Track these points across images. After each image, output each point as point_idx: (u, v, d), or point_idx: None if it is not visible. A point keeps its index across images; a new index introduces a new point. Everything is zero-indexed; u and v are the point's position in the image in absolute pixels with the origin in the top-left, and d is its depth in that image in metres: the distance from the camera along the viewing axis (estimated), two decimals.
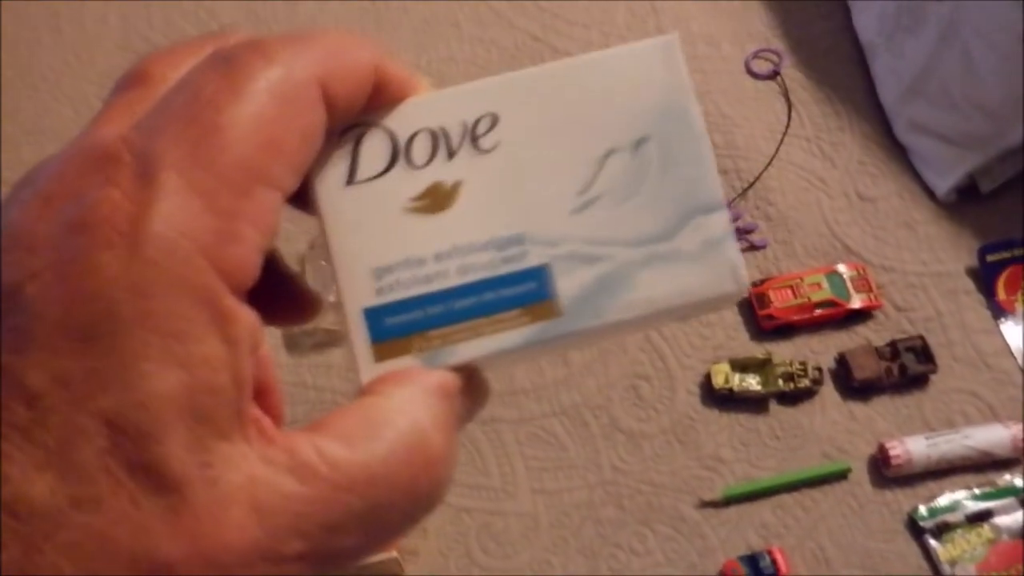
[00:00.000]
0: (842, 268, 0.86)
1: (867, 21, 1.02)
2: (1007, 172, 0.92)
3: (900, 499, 0.77)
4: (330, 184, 0.24)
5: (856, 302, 0.85)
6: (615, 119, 0.26)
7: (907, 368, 0.81)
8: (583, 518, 0.76)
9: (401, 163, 0.25)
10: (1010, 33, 0.86)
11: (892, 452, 0.76)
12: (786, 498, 0.77)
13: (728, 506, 0.77)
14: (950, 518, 0.75)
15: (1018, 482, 0.76)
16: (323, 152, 0.23)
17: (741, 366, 0.82)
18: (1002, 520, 0.75)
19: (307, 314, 0.27)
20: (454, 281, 0.24)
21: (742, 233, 0.90)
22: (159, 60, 0.23)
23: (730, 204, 0.91)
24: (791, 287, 0.85)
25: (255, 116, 0.20)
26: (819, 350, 0.84)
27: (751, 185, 0.92)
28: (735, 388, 0.80)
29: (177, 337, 0.19)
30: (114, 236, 0.19)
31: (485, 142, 0.25)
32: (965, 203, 0.93)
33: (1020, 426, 0.78)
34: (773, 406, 0.81)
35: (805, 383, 0.81)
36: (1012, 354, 0.84)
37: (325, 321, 0.84)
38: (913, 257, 0.89)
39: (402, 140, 0.25)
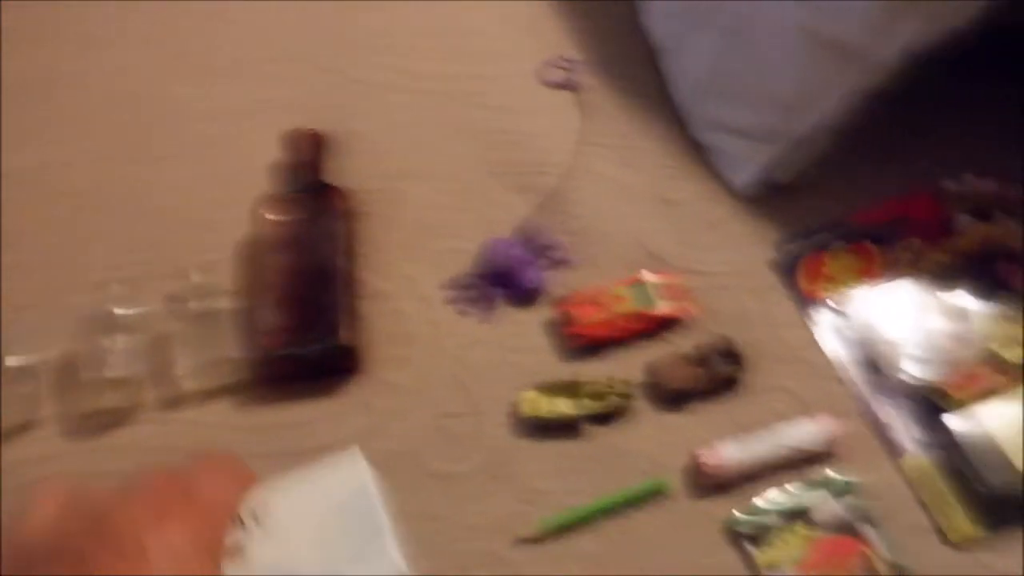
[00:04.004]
0: (647, 276, 0.85)
1: (656, 22, 1.01)
2: (802, 161, 0.92)
3: (719, 508, 0.75)
4: None
5: (662, 310, 0.83)
6: (330, 498, 0.53)
7: (717, 372, 0.80)
8: None
9: None
10: (795, 26, 0.86)
11: (703, 460, 0.75)
12: (606, 523, 0.75)
13: (547, 540, 0.74)
14: (766, 521, 0.73)
15: (831, 474, 0.76)
16: None
17: (549, 390, 0.79)
18: (818, 515, 0.73)
19: None
20: None
21: (544, 251, 0.87)
22: None
23: (531, 223, 0.89)
24: (595, 302, 0.83)
25: None
26: (630, 363, 0.82)
27: (549, 199, 0.90)
28: (545, 414, 0.78)
29: None
30: None
31: (262, 519, 0.49)
32: (766, 197, 0.92)
33: (829, 418, 0.78)
34: (586, 428, 0.79)
35: (615, 400, 0.78)
36: (819, 344, 0.83)
37: (105, 400, 0.79)
38: (718, 257, 0.88)
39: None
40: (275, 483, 0.53)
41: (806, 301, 0.85)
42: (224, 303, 0.84)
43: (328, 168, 0.90)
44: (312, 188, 0.88)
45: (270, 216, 0.85)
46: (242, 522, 0.50)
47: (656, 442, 0.78)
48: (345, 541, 0.52)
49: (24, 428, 0.79)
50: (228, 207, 0.90)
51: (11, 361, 0.81)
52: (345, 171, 0.92)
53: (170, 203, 0.92)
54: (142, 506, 0.45)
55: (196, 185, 0.93)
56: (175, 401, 0.80)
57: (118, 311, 0.83)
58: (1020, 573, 0.72)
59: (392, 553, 0.52)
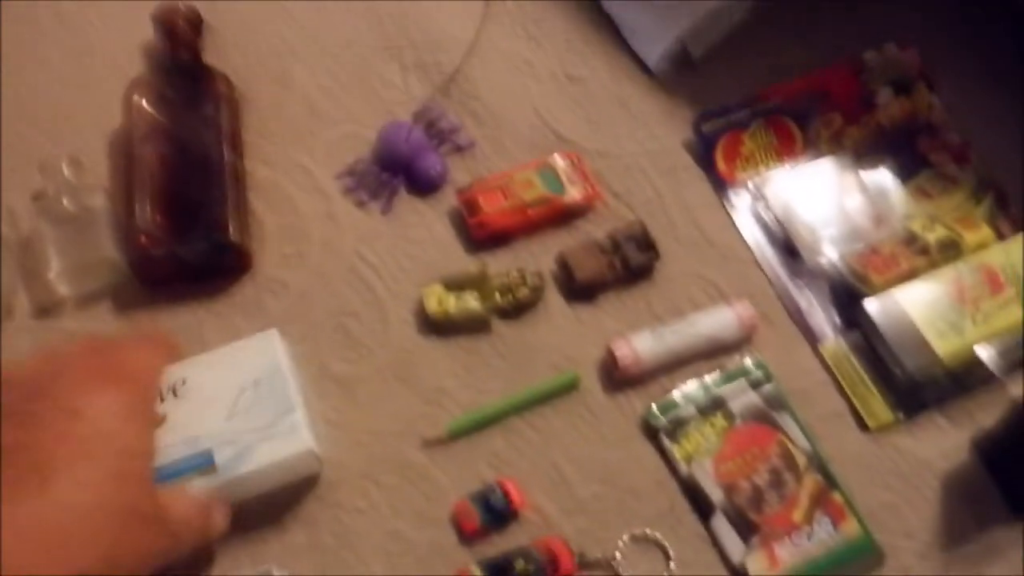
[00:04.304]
0: (555, 160, 0.80)
1: None
2: (716, 34, 0.87)
3: (633, 401, 0.72)
4: None
5: (572, 195, 0.78)
6: (244, 375, 0.59)
7: (629, 259, 0.76)
8: (298, 489, 0.68)
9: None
10: None
11: (618, 353, 0.71)
12: (516, 421, 0.71)
13: (456, 441, 0.70)
14: (683, 413, 0.71)
15: (747, 362, 0.73)
16: None
17: (456, 284, 0.74)
18: (735, 405, 0.71)
19: None
20: (171, 459, 0.55)
21: (446, 135, 0.81)
22: None
23: (431, 105, 0.82)
24: (501, 189, 0.78)
25: None
26: (540, 253, 0.78)
27: (450, 79, 0.84)
28: (451, 310, 0.73)
29: None
30: None
31: (180, 392, 0.58)
32: (679, 73, 0.87)
33: (745, 304, 0.75)
34: (495, 323, 0.75)
35: (524, 293, 0.74)
36: (736, 228, 0.80)
37: None
38: (629, 137, 0.84)
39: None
40: (195, 359, 0.60)
41: (723, 183, 0.82)
42: (98, 200, 0.76)
43: (206, 49, 0.82)
44: (189, 71, 0.79)
45: (144, 103, 0.77)
46: (161, 396, 0.56)
47: (568, 335, 0.75)
48: (256, 415, 0.57)
49: None
50: (97, 94, 0.81)
51: None
52: (225, 52, 0.84)
53: (33, 90, 0.83)
54: (77, 374, 0.48)
55: (61, 70, 0.84)
56: (49, 308, 0.74)
57: None
58: (936, 458, 0.71)
59: (301, 429, 0.58)
